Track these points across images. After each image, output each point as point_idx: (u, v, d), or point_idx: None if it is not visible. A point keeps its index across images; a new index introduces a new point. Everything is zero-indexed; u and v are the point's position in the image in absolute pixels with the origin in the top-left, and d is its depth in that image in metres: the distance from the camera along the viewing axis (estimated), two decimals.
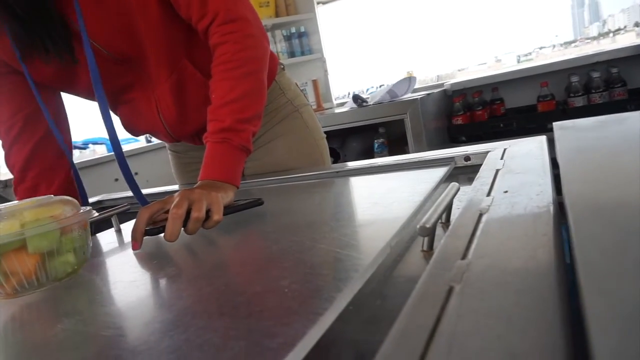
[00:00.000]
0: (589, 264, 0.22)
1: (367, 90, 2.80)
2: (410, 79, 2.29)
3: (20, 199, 0.83)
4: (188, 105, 0.89)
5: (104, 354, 0.31)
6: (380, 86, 2.30)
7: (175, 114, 0.89)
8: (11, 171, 0.88)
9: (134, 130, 0.98)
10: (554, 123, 0.62)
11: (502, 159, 0.58)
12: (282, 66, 1.06)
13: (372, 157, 2.30)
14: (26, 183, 0.87)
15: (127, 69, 0.84)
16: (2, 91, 0.84)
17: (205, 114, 0.74)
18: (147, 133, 0.99)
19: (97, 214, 0.68)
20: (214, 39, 0.77)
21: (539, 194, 0.40)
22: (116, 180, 2.22)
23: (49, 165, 0.88)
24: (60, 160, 0.88)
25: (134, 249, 0.53)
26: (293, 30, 2.78)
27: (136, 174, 2.31)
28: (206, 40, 0.79)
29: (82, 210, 0.50)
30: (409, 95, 2.27)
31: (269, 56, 0.95)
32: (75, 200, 0.51)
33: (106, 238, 0.66)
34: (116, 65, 0.82)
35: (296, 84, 1.08)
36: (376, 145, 2.35)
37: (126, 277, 0.47)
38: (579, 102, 2.15)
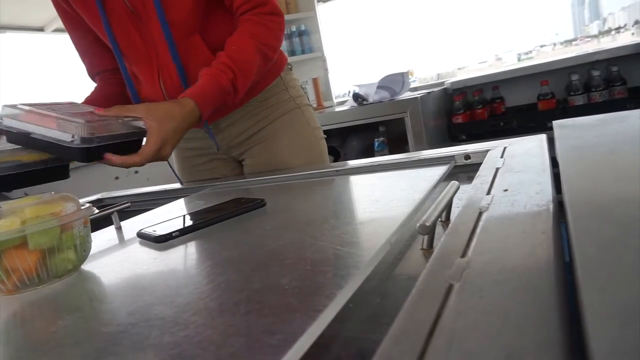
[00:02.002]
0: (588, 261, 0.22)
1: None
2: (402, 74, 2.28)
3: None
4: (191, 78, 0.91)
5: (104, 351, 0.31)
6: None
7: (177, 84, 0.91)
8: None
9: (133, 95, 0.99)
10: (553, 121, 0.62)
11: (502, 157, 0.58)
12: (289, 66, 1.07)
13: (372, 155, 2.30)
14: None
15: (138, 29, 0.88)
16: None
17: None
18: (145, 101, 0.99)
19: (97, 211, 0.68)
20: (251, 20, 0.88)
21: (538, 192, 0.40)
22: (116, 178, 2.22)
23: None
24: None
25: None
26: (293, 28, 2.77)
27: (137, 172, 2.31)
28: (238, 22, 0.89)
29: (82, 208, 0.50)
30: (409, 94, 2.26)
31: (279, 53, 1.00)
32: (76, 198, 0.51)
33: (106, 235, 0.66)
34: (130, 22, 0.88)
35: (300, 85, 1.09)
36: (376, 144, 2.35)
37: (126, 274, 0.47)
38: (579, 100, 2.15)
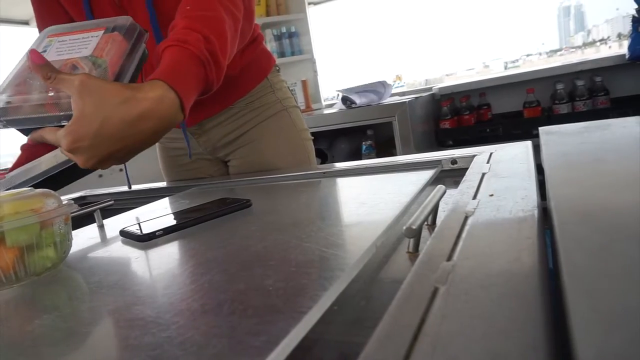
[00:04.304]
0: (574, 267, 0.22)
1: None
2: (383, 84, 2.31)
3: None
4: None
5: (82, 351, 0.30)
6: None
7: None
8: None
9: None
10: (540, 128, 0.63)
11: (488, 162, 0.59)
12: (277, 68, 1.06)
13: (359, 158, 2.31)
14: None
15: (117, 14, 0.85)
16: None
17: None
18: None
19: (78, 208, 0.66)
20: None
21: (524, 197, 0.40)
22: (100, 176, 2.19)
23: None
24: None
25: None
26: (283, 30, 2.77)
27: (121, 170, 2.27)
28: None
29: (63, 204, 0.49)
30: (397, 98, 2.28)
31: (265, 53, 0.97)
32: (57, 194, 0.50)
33: (88, 233, 0.65)
34: (115, 13, 0.84)
35: (287, 87, 1.09)
36: (364, 147, 2.35)
37: (107, 273, 0.46)
38: (563, 109, 2.19)
